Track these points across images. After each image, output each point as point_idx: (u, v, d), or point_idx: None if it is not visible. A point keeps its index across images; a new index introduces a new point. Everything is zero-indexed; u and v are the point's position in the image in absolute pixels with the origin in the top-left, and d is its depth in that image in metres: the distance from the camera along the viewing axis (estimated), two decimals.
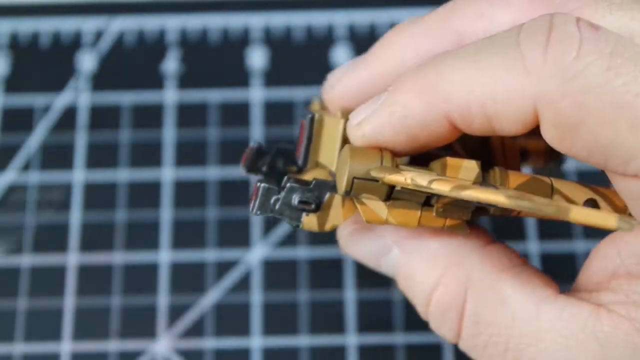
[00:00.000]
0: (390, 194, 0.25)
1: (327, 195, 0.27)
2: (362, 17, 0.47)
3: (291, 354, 0.40)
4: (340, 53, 0.47)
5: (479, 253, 0.26)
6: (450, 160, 0.25)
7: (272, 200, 0.27)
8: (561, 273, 0.41)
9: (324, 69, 0.46)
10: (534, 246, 0.42)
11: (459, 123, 0.24)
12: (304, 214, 0.27)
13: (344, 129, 0.27)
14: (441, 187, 0.23)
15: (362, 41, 0.47)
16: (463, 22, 0.26)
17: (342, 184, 0.25)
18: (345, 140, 0.27)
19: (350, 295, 0.41)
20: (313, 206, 0.27)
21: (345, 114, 0.27)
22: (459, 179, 0.24)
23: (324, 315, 0.41)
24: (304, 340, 0.40)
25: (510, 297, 0.25)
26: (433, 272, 0.26)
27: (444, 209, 0.26)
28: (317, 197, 0.27)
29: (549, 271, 0.41)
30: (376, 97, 0.25)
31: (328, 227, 0.27)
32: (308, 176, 0.27)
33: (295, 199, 0.27)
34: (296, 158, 0.28)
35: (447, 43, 0.26)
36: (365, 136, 0.25)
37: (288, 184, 0.27)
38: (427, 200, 0.26)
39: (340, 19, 0.47)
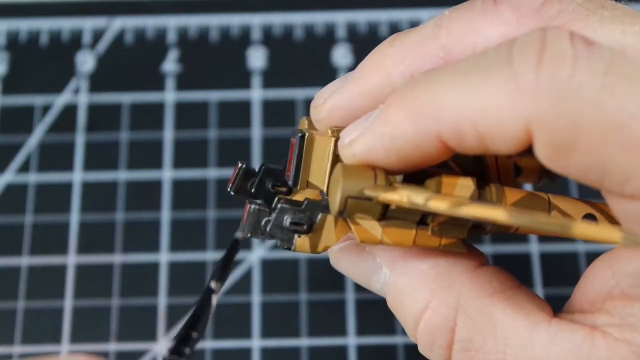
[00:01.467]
0: (385, 213, 0.25)
1: (319, 216, 0.26)
2: (362, 17, 0.47)
3: (291, 354, 0.40)
4: (340, 53, 0.47)
5: (469, 276, 0.26)
6: (445, 178, 0.24)
7: (263, 222, 0.27)
8: (561, 273, 0.42)
9: (323, 69, 0.46)
10: (534, 247, 0.42)
11: (450, 142, 0.23)
12: (295, 236, 0.26)
13: (335, 148, 0.26)
14: (438, 204, 0.22)
15: (362, 41, 0.47)
16: (451, 37, 0.25)
17: (335, 204, 0.24)
18: (336, 159, 0.26)
19: (350, 296, 0.41)
20: (305, 227, 0.26)
21: (335, 133, 0.26)
22: (456, 197, 0.24)
23: (324, 316, 0.40)
24: (304, 341, 0.40)
25: (501, 322, 0.25)
26: (421, 294, 0.26)
27: (439, 227, 0.25)
28: (309, 217, 0.26)
29: (549, 271, 0.42)
30: (367, 115, 0.25)
31: (320, 248, 0.26)
32: (299, 196, 0.26)
33: (286, 220, 0.26)
34: (285, 178, 0.27)
35: (436, 58, 0.25)
36: (356, 155, 0.24)
37: (279, 205, 0.26)
38: (423, 219, 0.25)
39: (340, 19, 0.47)
